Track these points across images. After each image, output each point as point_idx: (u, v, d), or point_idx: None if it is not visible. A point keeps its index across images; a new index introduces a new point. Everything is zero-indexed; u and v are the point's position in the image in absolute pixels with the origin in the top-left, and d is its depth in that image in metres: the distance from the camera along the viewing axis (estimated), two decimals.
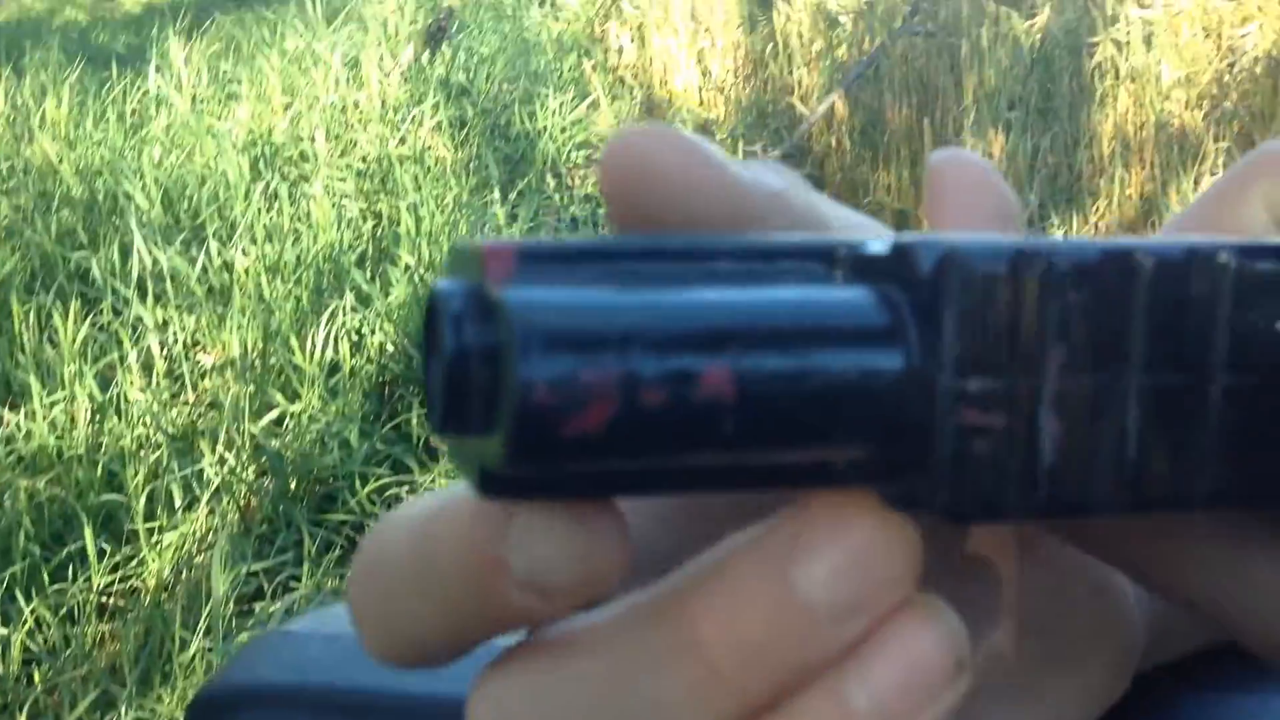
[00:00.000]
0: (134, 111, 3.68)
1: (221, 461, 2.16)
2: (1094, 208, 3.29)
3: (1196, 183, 3.15)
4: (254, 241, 2.81)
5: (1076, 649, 0.24)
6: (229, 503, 2.08)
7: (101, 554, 1.95)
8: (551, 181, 3.43)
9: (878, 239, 0.17)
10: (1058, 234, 3.17)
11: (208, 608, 1.83)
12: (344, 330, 2.50)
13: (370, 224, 3.03)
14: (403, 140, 3.35)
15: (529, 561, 0.16)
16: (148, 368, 2.44)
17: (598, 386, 0.15)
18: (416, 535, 0.18)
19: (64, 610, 1.86)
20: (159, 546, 1.99)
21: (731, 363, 0.15)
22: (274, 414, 2.29)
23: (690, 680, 0.16)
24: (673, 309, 0.15)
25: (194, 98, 3.68)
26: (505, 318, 0.15)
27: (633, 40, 4.30)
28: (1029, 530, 0.23)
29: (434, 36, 3.71)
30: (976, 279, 0.15)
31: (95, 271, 2.70)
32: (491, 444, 0.15)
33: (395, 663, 0.19)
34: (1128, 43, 3.58)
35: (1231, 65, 3.46)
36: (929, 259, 0.16)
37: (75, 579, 1.91)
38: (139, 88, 3.80)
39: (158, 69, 3.80)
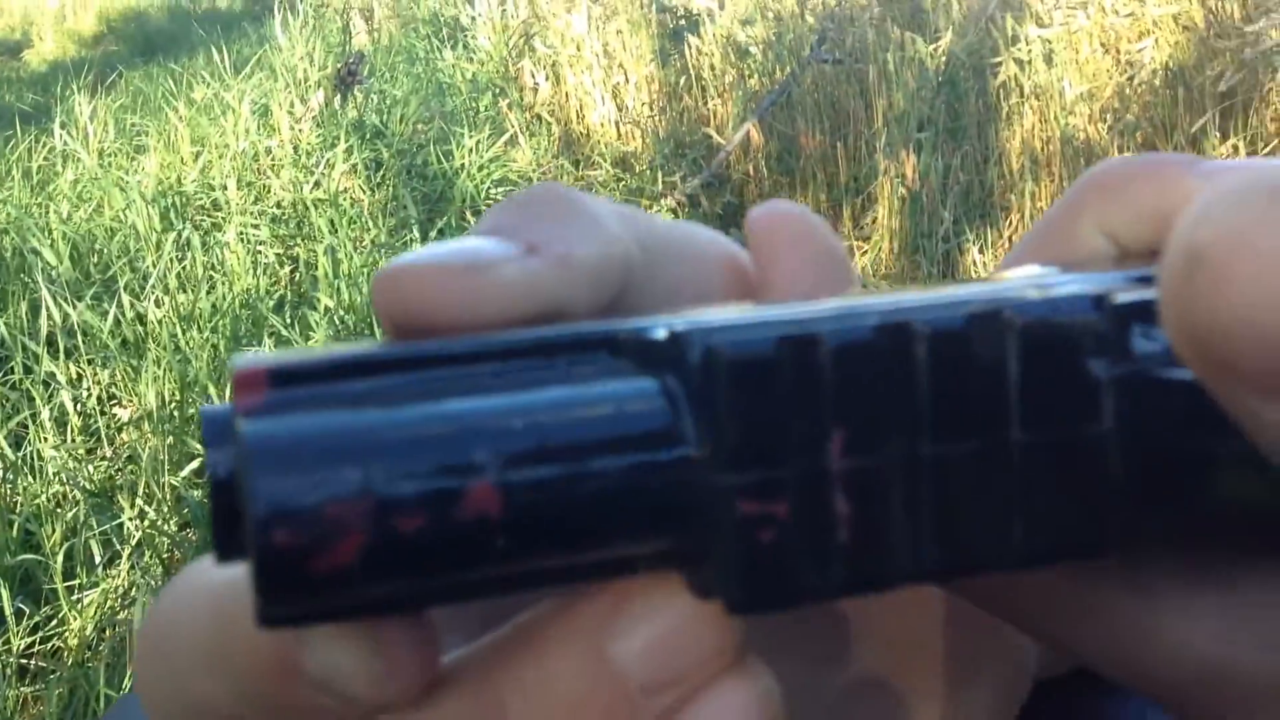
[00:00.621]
0: (40, 168, 3.62)
1: (142, 515, 2.11)
2: (1007, 221, 3.35)
3: None
4: (167, 292, 2.76)
5: (968, 668, 0.23)
6: (151, 557, 2.03)
7: (20, 615, 1.90)
8: (472, 219, 3.42)
9: (663, 323, 0.15)
10: (973, 249, 3.23)
11: (133, 664, 1.77)
12: None
13: (287, 269, 2.99)
14: (317, 184, 3.32)
15: (324, 669, 0.15)
16: (61, 424, 2.38)
17: (345, 519, 0.14)
18: (213, 612, 0.17)
19: None
20: (80, 605, 1.93)
21: (495, 477, 0.14)
22: (195, 464, 2.24)
23: None
24: (428, 426, 0.14)
25: (101, 151, 3.62)
26: (243, 454, 0.14)
27: (547, 78, 4.32)
28: None
29: (344, 80, 3.69)
30: (742, 366, 0.14)
31: (3, 330, 2.63)
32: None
33: None
34: (1030, 61, 3.66)
35: (1131, 79, 3.55)
36: (698, 348, 0.15)
37: None
38: (45, 144, 3.74)
39: (63, 125, 3.74)
